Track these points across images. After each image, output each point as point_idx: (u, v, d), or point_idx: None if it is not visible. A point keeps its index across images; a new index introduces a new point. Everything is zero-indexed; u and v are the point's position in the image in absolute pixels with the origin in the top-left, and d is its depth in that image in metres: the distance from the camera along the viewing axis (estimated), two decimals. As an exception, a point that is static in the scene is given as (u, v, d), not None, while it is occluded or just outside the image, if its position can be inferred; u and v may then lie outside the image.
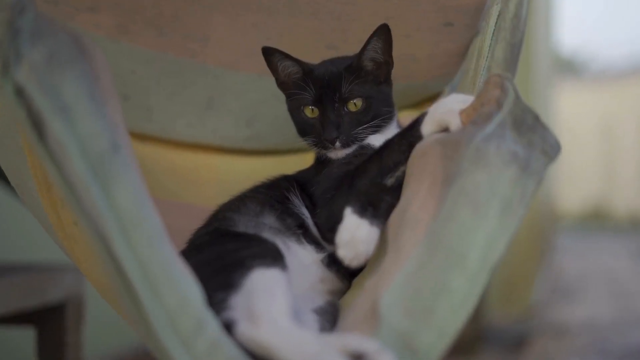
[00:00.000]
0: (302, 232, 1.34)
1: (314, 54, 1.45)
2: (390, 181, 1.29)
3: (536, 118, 1.15)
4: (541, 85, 5.19)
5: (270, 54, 1.41)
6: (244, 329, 1.09)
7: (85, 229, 1.02)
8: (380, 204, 1.25)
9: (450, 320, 1.04)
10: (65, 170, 1.00)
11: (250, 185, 1.44)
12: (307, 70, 1.41)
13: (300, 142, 1.44)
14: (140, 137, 1.64)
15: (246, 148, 1.73)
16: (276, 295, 1.12)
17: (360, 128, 1.38)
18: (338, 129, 1.37)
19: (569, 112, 8.70)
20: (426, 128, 1.26)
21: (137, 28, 1.55)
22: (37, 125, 0.99)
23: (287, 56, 1.41)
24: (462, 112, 1.21)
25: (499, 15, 1.30)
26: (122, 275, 1.00)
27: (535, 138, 1.13)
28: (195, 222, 1.39)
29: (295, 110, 1.43)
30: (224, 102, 1.68)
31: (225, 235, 1.29)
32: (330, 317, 1.23)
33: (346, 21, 1.52)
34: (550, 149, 1.14)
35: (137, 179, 1.03)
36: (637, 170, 8.95)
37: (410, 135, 1.28)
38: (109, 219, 0.99)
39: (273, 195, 1.39)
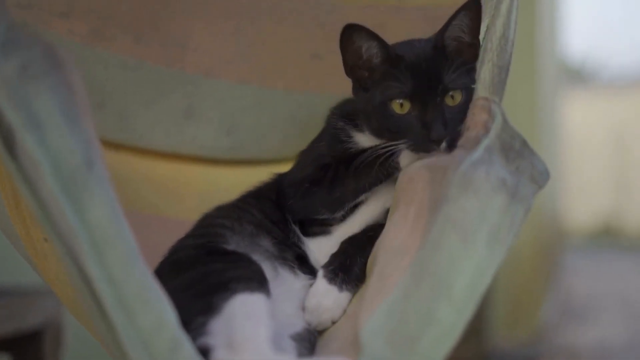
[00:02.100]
0: (297, 265, 1.37)
1: (298, 63, 1.46)
2: (363, 198, 1.35)
3: (524, 143, 1.17)
4: (548, 95, 5.21)
5: (354, 31, 1.27)
6: (221, 356, 1.11)
7: (56, 247, 1.04)
8: (352, 269, 1.30)
9: (434, 350, 1.06)
10: (37, 187, 1.02)
11: (244, 193, 1.46)
12: (394, 55, 1.28)
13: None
14: (116, 146, 1.66)
15: (227, 158, 1.75)
16: (258, 322, 1.14)
17: (460, 127, 1.25)
18: (445, 127, 1.26)
19: (578, 122, 8.73)
20: (405, 162, 1.30)
21: (113, 34, 1.57)
22: (7, 140, 1.02)
23: (374, 35, 1.28)
24: None
25: (485, 36, 1.27)
26: (94, 295, 1.02)
27: (523, 164, 1.16)
28: (173, 236, 1.40)
29: (376, 106, 1.29)
30: (204, 110, 1.70)
31: (212, 253, 1.30)
32: (307, 344, 1.25)
33: (331, 30, 1.53)
34: (539, 175, 1.17)
35: (112, 196, 1.04)
36: (651, 185, 8.98)
37: (389, 166, 1.31)
38: (81, 237, 1.00)
39: (271, 216, 1.40)
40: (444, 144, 1.25)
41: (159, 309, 1.04)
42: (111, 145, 1.64)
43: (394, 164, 1.30)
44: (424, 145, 1.26)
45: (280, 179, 1.46)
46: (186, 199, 1.67)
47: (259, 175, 1.48)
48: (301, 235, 1.39)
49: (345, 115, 1.39)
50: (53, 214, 1.02)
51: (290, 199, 1.39)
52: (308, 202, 1.37)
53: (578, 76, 11.70)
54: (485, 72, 1.22)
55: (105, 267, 1.01)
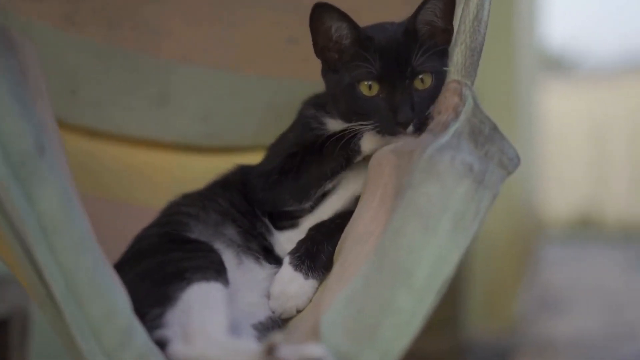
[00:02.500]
0: (263, 255, 1.38)
1: (273, 48, 1.48)
2: (329, 186, 1.37)
3: (494, 128, 1.17)
4: (525, 84, 5.23)
5: (324, 11, 1.28)
6: (177, 349, 1.14)
7: (6, 233, 1.06)
8: (319, 256, 1.30)
9: (394, 340, 1.07)
10: None
11: (212, 182, 1.47)
12: (364, 37, 1.30)
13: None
14: (89, 133, 1.68)
15: (203, 145, 1.76)
16: (214, 311, 1.17)
17: (428, 110, 1.27)
18: (413, 110, 1.27)
19: (557, 113, 8.78)
20: (366, 145, 1.31)
21: (85, 18, 1.59)
22: None
23: (345, 16, 1.29)
24: None
25: (460, 17, 1.26)
26: (44, 283, 1.04)
27: (492, 149, 1.15)
28: (146, 224, 1.42)
29: (345, 87, 1.31)
30: (179, 96, 1.72)
31: (174, 241, 1.32)
32: (269, 333, 1.26)
33: (306, 13, 1.55)
34: (509, 161, 1.16)
35: (65, 182, 1.06)
36: (629, 176, 9.05)
37: (350, 150, 1.32)
38: (30, 223, 1.02)
39: (238, 206, 1.41)
40: (411, 128, 1.26)
41: (111, 298, 1.06)
42: (85, 132, 1.66)
43: (355, 147, 1.31)
44: (390, 128, 1.28)
45: (246, 170, 1.47)
46: (160, 187, 1.67)
47: (236, 163, 1.50)
48: (271, 227, 1.40)
49: (317, 104, 1.42)
50: (2, 199, 1.04)
51: (259, 192, 1.40)
52: (276, 193, 1.38)
53: (557, 65, 11.75)
54: (457, 54, 1.23)
55: (54, 255, 1.03)
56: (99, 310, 1.05)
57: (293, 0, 1.55)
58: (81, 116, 1.65)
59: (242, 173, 1.47)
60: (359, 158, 1.34)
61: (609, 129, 9.24)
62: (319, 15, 1.29)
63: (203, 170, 1.56)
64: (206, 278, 1.19)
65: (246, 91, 1.74)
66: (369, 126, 1.29)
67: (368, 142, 1.31)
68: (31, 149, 1.03)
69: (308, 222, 1.38)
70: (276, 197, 1.39)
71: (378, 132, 1.29)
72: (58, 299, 1.04)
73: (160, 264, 1.25)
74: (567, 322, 4.70)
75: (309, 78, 1.48)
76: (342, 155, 1.33)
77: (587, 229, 9.09)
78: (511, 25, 4.38)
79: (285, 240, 1.38)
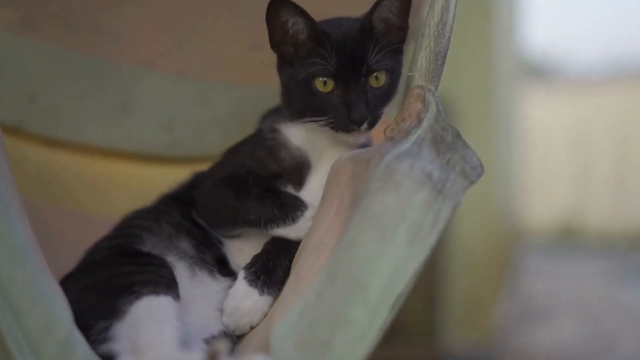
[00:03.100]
0: (217, 268, 1.36)
1: (236, 55, 1.47)
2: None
3: (457, 135, 1.16)
4: (505, 92, 5.23)
5: (280, 5, 1.29)
6: None
7: None
8: (275, 271, 1.28)
9: (347, 355, 1.06)
10: None
11: (165, 194, 1.46)
12: (321, 32, 1.30)
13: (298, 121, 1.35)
14: (48, 142, 1.66)
15: (166, 155, 1.75)
16: (164, 324, 1.16)
17: (383, 109, 1.31)
18: (367, 107, 1.28)
19: (539, 120, 8.83)
20: (292, 233, 1.30)
21: (44, 23, 1.58)
22: None
23: (301, 11, 1.30)
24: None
25: (425, 20, 1.25)
26: None
27: (455, 158, 1.14)
28: (106, 236, 1.41)
29: (300, 82, 1.31)
30: (141, 104, 1.71)
31: (125, 254, 1.30)
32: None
33: None
34: (471, 170, 1.14)
35: (2, 190, 1.05)
36: (612, 186, 9.12)
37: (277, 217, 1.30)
38: None
39: (190, 217, 1.39)
40: (365, 125, 1.28)
41: (50, 309, 1.05)
42: (43, 140, 1.65)
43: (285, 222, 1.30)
44: (344, 126, 1.29)
45: (198, 178, 1.45)
46: (121, 198, 1.66)
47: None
48: (220, 236, 1.38)
49: (275, 113, 1.41)
50: None
51: (197, 200, 1.39)
52: (204, 212, 1.38)
53: (538, 72, 11.81)
54: (422, 58, 1.22)
55: None
56: (36, 322, 1.03)
57: (256, 5, 1.54)
58: (40, 124, 1.64)
59: (192, 183, 1.45)
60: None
61: (592, 137, 9.30)
62: (276, 10, 1.29)
63: (166, 181, 1.55)
64: (156, 292, 1.18)
65: (210, 100, 1.73)
66: (323, 122, 1.29)
67: (294, 231, 1.30)
68: None
69: (254, 232, 1.36)
70: (204, 216, 1.38)
71: (332, 128, 1.30)
72: None
73: (110, 276, 1.23)
74: (548, 332, 4.72)
75: (274, 86, 1.46)
76: (267, 214, 1.31)
77: (568, 239, 9.14)
78: (490, 31, 4.36)
79: (237, 251, 1.37)
